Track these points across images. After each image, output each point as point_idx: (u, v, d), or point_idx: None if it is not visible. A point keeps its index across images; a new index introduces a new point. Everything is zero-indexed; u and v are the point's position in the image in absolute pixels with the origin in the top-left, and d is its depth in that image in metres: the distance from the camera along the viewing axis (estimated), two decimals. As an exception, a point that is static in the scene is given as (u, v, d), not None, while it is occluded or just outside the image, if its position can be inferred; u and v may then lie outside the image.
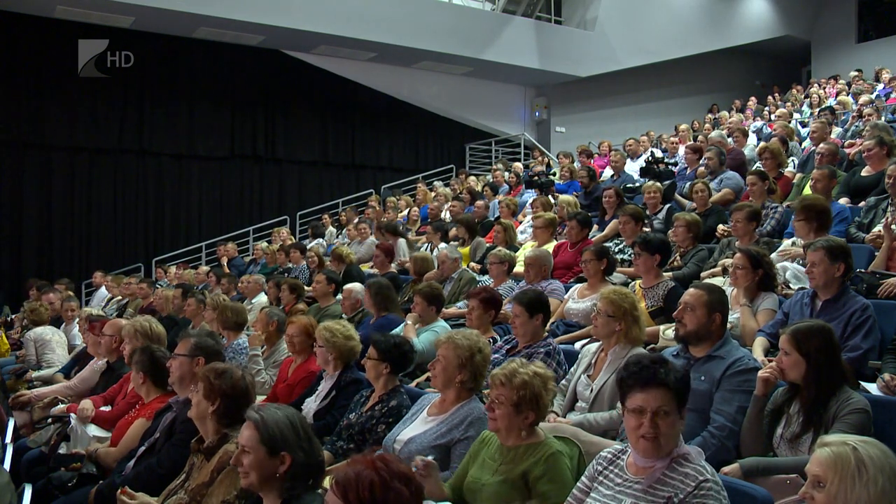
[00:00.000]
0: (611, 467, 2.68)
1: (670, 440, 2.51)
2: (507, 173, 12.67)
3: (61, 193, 14.23)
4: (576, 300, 5.62)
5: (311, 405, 4.55)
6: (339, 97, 16.49)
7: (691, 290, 3.74)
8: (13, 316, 10.66)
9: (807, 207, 5.18)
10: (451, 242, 8.85)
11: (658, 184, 8.07)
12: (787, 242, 5.54)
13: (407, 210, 12.21)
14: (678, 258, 6.10)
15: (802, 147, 10.03)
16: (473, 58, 16.47)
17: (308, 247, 10.52)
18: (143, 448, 3.90)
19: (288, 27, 14.18)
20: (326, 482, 3.22)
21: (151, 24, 13.86)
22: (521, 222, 9.26)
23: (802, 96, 16.55)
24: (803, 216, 5.16)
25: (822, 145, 7.83)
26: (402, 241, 9.65)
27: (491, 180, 12.86)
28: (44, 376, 6.63)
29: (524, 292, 4.77)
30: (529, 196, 10.36)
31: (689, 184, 8.10)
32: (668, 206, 7.69)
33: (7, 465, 3.44)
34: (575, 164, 11.67)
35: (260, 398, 5.08)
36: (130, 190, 14.84)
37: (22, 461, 4.42)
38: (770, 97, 18.68)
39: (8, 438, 3.86)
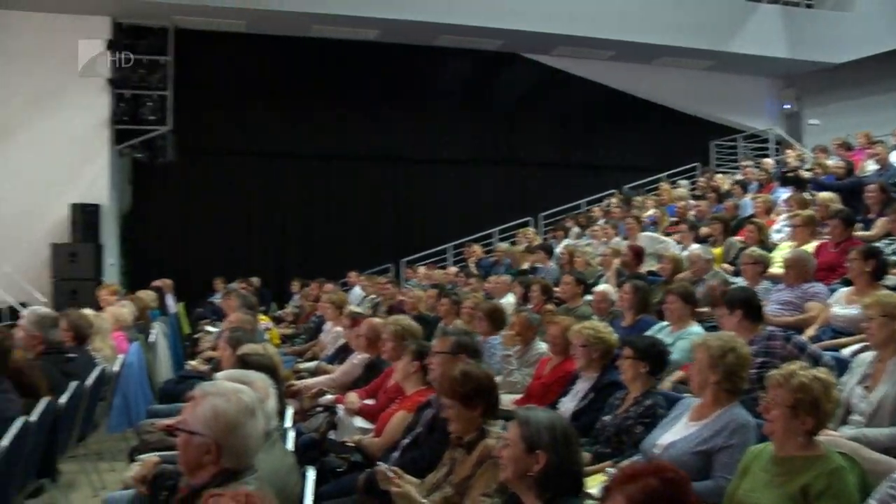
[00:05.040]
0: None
1: None
2: (756, 170, 12.08)
3: (319, 199, 15.58)
4: (843, 305, 5.25)
5: (567, 405, 4.57)
6: (578, 97, 16.40)
7: None
8: (295, 308, 11.53)
9: None
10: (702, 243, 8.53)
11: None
12: None
13: (653, 210, 11.94)
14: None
15: None
16: (716, 50, 15.79)
17: (556, 248, 10.59)
18: (406, 440, 4.08)
19: (526, 30, 14.32)
20: (594, 487, 3.24)
21: (395, 37, 14.57)
22: (774, 221, 8.77)
23: None
24: None
25: None
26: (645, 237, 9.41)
27: (740, 177, 12.28)
28: (310, 368, 7.13)
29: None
30: (782, 193, 9.80)
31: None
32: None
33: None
34: (830, 161, 10.83)
35: (513, 397, 5.19)
36: (382, 194, 15.83)
37: (297, 446, 4.76)
38: None
39: (288, 423, 4.17)
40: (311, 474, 3.27)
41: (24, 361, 4.72)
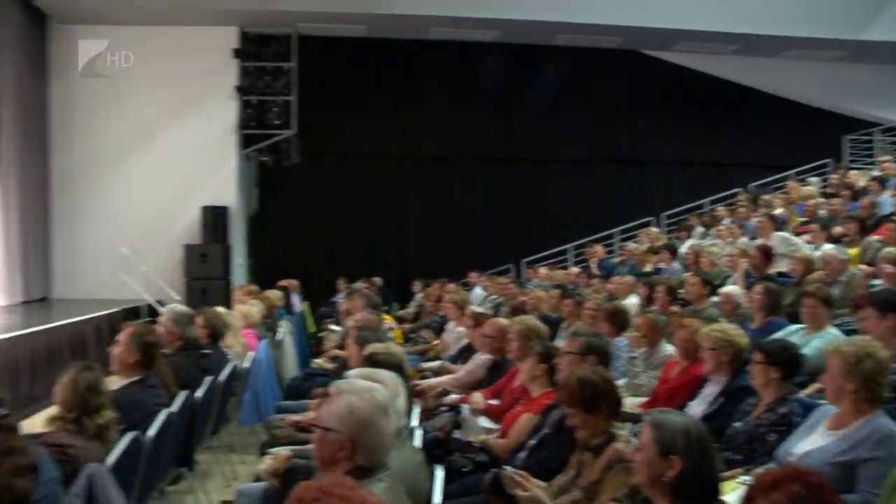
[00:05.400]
0: None
1: None
2: (895, 164, 11.46)
3: (440, 200, 15.73)
4: None
5: (696, 410, 4.44)
6: (701, 94, 15.92)
7: None
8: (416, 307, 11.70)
9: None
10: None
11: None
12: None
13: (781, 209, 11.50)
14: None
15: None
16: (849, 39, 14.96)
17: (681, 248, 10.35)
18: (533, 441, 4.05)
19: (647, 27, 14.02)
20: (727, 494, 3.13)
21: (514, 37, 14.53)
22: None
23: None
24: None
25: None
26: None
27: (877, 173, 11.68)
28: (433, 367, 7.18)
29: None
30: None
31: None
32: None
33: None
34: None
35: (639, 400, 5.08)
36: (501, 195, 15.84)
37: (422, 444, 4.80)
38: None
39: (415, 422, 4.21)
40: (439, 473, 3.28)
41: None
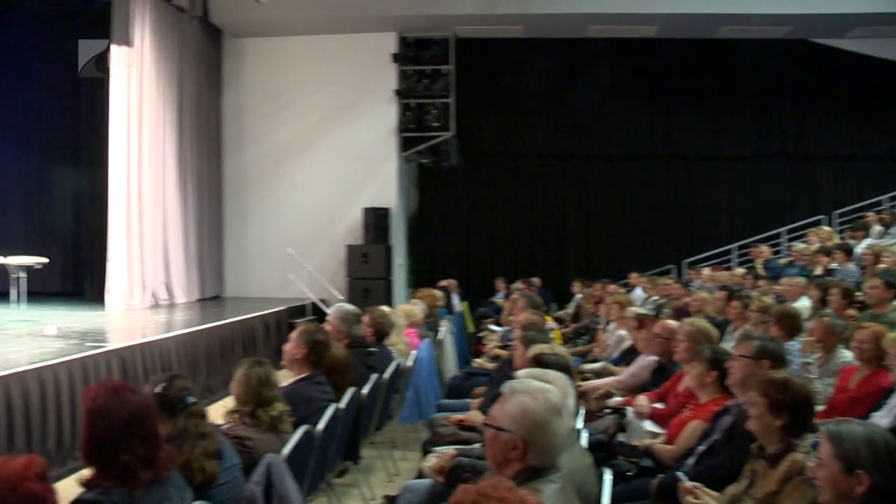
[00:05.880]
0: None
1: None
2: None
3: (599, 199, 15.50)
4: None
5: (881, 422, 4.15)
6: (879, 82, 14.88)
7: None
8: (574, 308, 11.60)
9: None
10: None
11: None
12: None
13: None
14: None
15: None
16: None
17: (857, 248, 9.75)
18: (702, 447, 3.91)
19: (818, 13, 13.24)
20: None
21: (674, 31, 14.11)
22: None
23: None
24: None
25: None
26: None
27: None
28: (595, 369, 7.07)
29: None
30: None
31: None
32: None
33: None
34: None
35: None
36: (661, 193, 15.41)
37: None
38: None
39: (580, 424, 4.15)
40: (608, 476, 3.22)
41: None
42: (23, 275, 8.86)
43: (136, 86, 11.13)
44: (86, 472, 2.56)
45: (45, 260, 9.10)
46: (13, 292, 8.84)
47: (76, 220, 13.65)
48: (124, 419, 2.52)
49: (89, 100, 12.61)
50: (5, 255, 8.83)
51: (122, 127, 10.88)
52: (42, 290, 11.46)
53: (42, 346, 7.03)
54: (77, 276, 13.54)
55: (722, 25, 13.84)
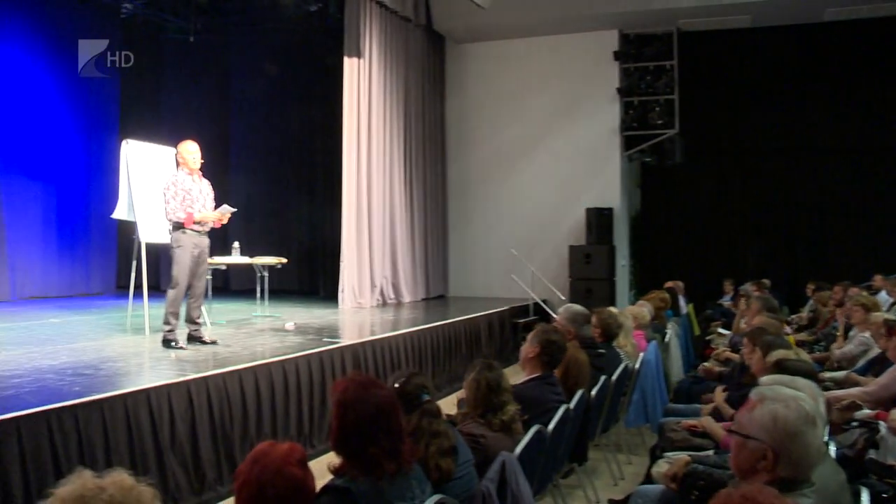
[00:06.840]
0: None
1: None
2: None
3: (835, 196, 14.47)
4: None
5: None
6: None
7: None
8: (810, 312, 10.97)
9: None
10: None
11: None
12: None
13: None
14: None
15: None
16: None
17: None
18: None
19: None
20: None
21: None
22: None
23: None
24: None
25: None
26: None
27: None
28: (837, 377, 6.61)
29: None
30: None
31: None
32: None
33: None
34: None
35: None
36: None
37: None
38: None
39: (826, 437, 3.88)
40: (865, 496, 2.98)
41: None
42: (266, 274, 9.96)
43: (366, 95, 11.68)
44: (334, 460, 2.70)
45: (285, 260, 10.14)
46: (258, 290, 10.04)
47: (311, 224, 14.55)
48: (371, 412, 2.64)
49: (321, 110, 13.43)
50: (251, 257, 9.80)
51: (352, 136, 11.48)
52: (280, 288, 12.46)
53: (283, 340, 7.65)
54: (312, 275, 14.42)
55: None
